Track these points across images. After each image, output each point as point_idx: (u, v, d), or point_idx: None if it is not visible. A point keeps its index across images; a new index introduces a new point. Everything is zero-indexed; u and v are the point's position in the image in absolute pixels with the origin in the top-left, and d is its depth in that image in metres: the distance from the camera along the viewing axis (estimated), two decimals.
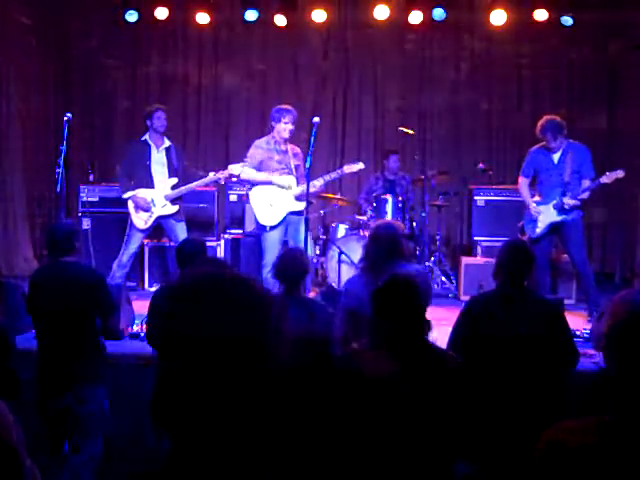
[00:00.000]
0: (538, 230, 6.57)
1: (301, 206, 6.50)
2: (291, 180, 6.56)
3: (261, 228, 6.63)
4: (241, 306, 1.33)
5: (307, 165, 6.15)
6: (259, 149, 6.68)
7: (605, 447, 1.71)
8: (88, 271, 4.31)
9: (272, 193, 6.61)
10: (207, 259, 4.19)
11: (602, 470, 1.70)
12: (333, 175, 6.94)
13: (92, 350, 4.17)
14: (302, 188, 6.45)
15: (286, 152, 6.62)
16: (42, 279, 4.24)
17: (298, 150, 6.86)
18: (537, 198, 6.65)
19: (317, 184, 6.59)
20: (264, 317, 1.35)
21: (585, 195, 6.48)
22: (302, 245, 6.53)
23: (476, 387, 3.10)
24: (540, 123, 6.55)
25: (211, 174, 6.93)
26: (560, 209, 6.51)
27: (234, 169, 6.92)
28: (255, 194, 6.71)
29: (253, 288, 1.35)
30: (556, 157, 6.58)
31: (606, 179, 6.41)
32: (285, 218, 6.53)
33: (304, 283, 4.24)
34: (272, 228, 6.56)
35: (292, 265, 4.09)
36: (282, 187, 6.57)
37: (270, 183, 6.60)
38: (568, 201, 6.44)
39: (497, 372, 3.62)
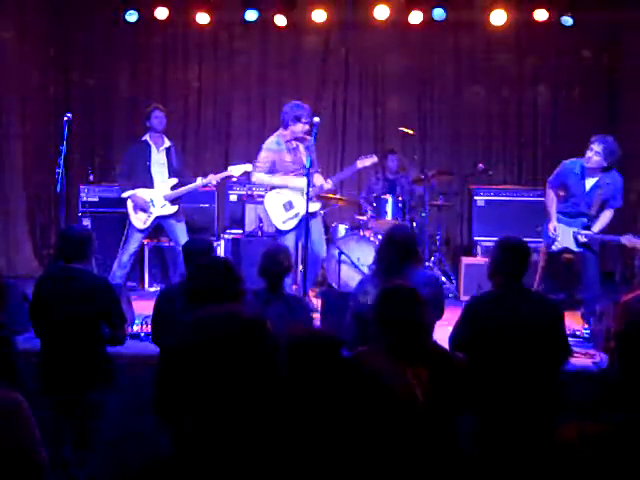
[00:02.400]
0: (554, 247, 6.33)
1: (316, 207, 6.52)
2: (305, 182, 6.33)
3: (278, 231, 6.63)
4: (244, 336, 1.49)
5: (307, 165, 6.13)
6: (269, 152, 6.52)
7: (619, 448, 1.71)
8: (99, 280, 4.26)
9: (287, 197, 6.55)
10: (212, 259, 4.19)
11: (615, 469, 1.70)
12: (347, 172, 6.93)
13: (99, 356, 4.14)
14: (314, 188, 6.43)
15: (297, 149, 6.48)
16: (49, 284, 4.18)
17: (309, 140, 6.55)
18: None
19: (328, 185, 6.59)
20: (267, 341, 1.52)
21: (599, 229, 6.22)
22: (319, 246, 6.57)
23: (479, 387, 3.11)
24: (595, 137, 6.13)
25: (199, 179, 6.94)
26: (577, 240, 6.25)
27: (234, 170, 6.93)
28: (270, 198, 6.61)
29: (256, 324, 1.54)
30: (588, 185, 6.24)
31: (626, 241, 5.99)
32: (301, 222, 6.38)
33: (286, 280, 4.32)
34: (288, 232, 6.52)
35: (274, 263, 4.16)
36: (298, 190, 6.45)
37: (285, 187, 6.53)
38: (582, 238, 6.19)
39: (497, 371, 3.61)
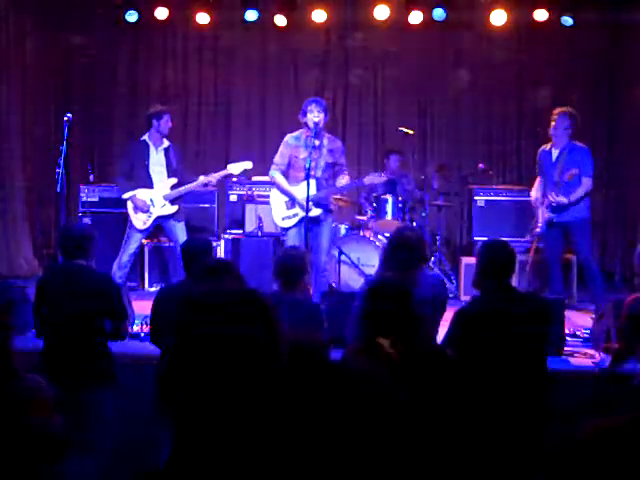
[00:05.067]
0: (537, 230, 6.72)
1: (316, 212, 6.29)
2: (310, 187, 6.15)
3: (280, 229, 6.63)
4: (247, 316, 1.41)
5: (307, 165, 6.10)
6: (287, 146, 6.40)
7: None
8: (100, 275, 4.27)
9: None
10: (212, 259, 4.20)
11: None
12: (352, 185, 6.76)
13: (100, 353, 4.15)
14: (321, 193, 6.29)
15: (319, 148, 6.31)
16: (52, 281, 4.20)
17: (338, 145, 6.48)
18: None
19: (343, 181, 6.34)
20: (269, 325, 1.43)
21: (575, 197, 6.57)
22: (322, 255, 6.37)
23: (470, 387, 3.10)
24: (558, 109, 6.76)
25: (201, 177, 6.92)
26: (550, 207, 6.62)
27: (233, 168, 6.93)
28: (275, 193, 6.56)
29: (258, 301, 1.46)
30: (555, 155, 6.71)
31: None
32: (300, 222, 6.28)
33: (302, 282, 4.28)
34: (288, 229, 6.45)
35: (289, 265, 4.15)
36: (297, 200, 6.32)
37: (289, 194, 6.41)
38: (553, 198, 6.54)
39: (487, 376, 3.55)
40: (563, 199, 6.51)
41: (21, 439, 2.03)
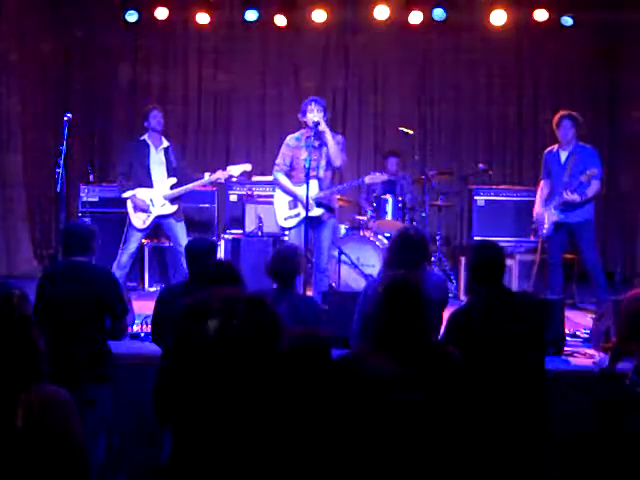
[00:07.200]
0: (544, 231, 6.72)
1: (318, 212, 6.26)
2: (312, 187, 6.12)
3: (281, 228, 6.61)
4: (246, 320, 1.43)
5: (306, 165, 6.08)
6: (287, 147, 6.36)
7: None
8: (101, 271, 4.27)
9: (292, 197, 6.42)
10: (213, 261, 4.19)
11: None
12: (352, 184, 6.85)
13: (100, 350, 4.16)
14: (323, 192, 6.28)
15: (319, 148, 6.25)
16: (53, 278, 4.21)
17: (338, 140, 6.33)
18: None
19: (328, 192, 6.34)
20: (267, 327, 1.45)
21: (584, 198, 6.57)
22: (323, 255, 6.33)
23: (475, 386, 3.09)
24: (559, 114, 6.70)
25: (207, 175, 6.92)
26: (559, 209, 6.60)
27: (232, 170, 6.93)
28: (279, 193, 6.52)
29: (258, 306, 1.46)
30: (563, 157, 6.71)
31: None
32: (301, 222, 6.23)
33: (297, 281, 4.29)
34: (289, 229, 6.44)
35: (285, 263, 4.15)
36: (300, 199, 6.24)
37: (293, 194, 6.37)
38: (568, 195, 6.53)
39: (485, 376, 3.53)
40: (576, 197, 6.52)
41: (43, 445, 2.01)
